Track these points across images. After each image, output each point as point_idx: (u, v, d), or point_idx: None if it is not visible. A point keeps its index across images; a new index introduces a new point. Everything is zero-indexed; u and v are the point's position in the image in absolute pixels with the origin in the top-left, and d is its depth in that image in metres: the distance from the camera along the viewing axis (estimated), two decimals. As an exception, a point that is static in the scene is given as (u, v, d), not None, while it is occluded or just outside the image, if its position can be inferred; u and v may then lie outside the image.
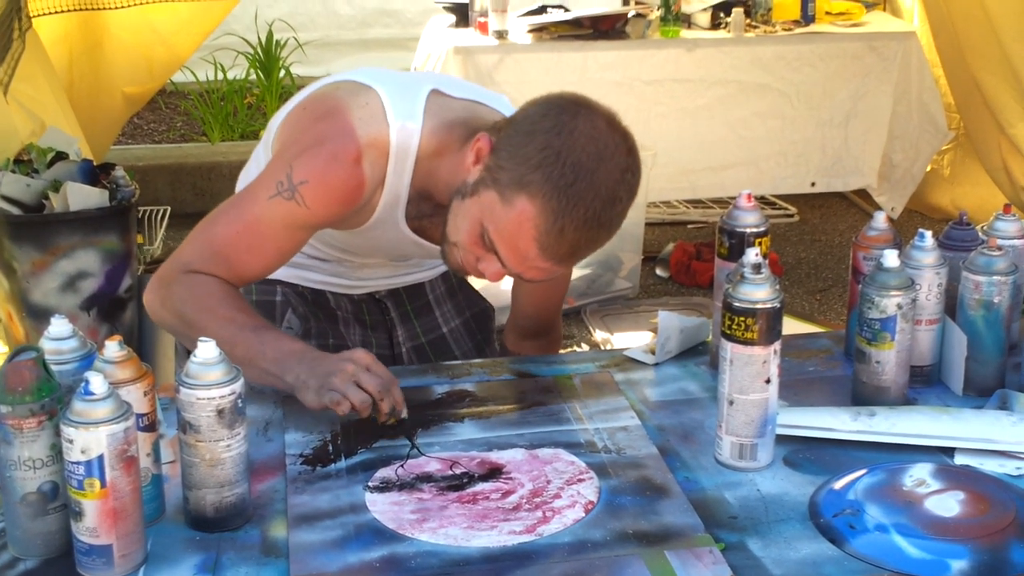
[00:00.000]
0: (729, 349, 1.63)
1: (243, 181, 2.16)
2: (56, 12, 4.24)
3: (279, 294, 2.13)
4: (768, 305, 1.61)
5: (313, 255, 2.11)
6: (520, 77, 4.39)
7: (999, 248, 1.84)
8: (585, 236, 1.71)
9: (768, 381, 1.63)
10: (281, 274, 2.07)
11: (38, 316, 3.25)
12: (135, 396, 1.41)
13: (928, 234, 1.86)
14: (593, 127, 1.71)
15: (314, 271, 2.14)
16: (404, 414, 1.73)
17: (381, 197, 1.88)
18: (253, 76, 6.64)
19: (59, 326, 1.46)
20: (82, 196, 3.20)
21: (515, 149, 1.72)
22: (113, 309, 3.35)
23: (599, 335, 4.25)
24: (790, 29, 4.76)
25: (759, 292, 1.61)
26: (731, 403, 1.64)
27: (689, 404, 1.86)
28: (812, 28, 4.79)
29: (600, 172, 1.69)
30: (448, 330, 2.28)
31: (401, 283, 2.23)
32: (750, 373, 1.62)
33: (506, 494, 1.59)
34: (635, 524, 1.52)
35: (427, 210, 1.91)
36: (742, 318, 1.61)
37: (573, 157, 1.68)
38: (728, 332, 1.62)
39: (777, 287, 1.63)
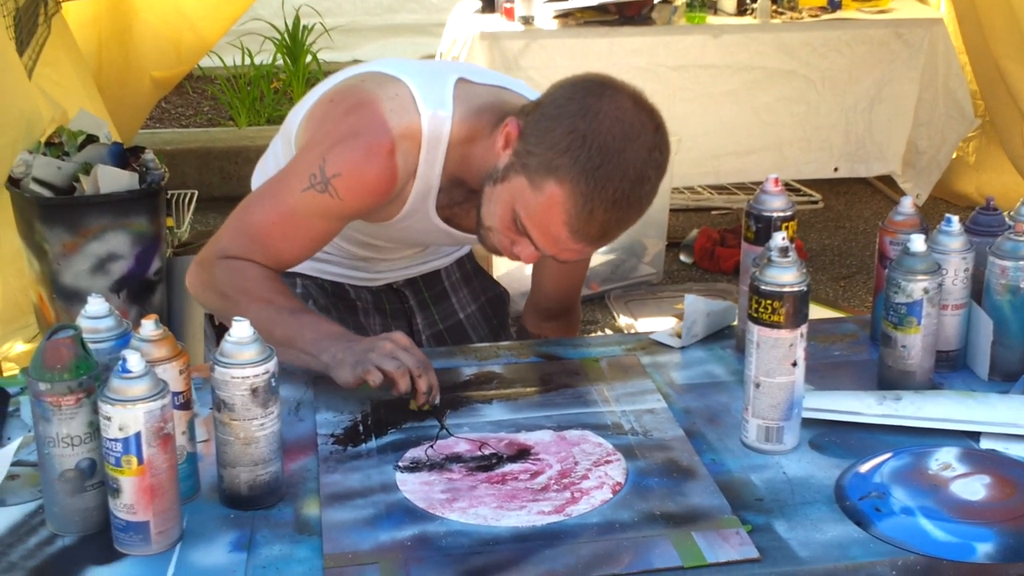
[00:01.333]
0: (756, 332, 1.64)
1: (258, 173, 2.19)
2: (83, -4, 4.27)
3: (299, 287, 2.15)
4: (795, 288, 1.62)
5: (335, 253, 2.14)
6: (546, 63, 4.40)
7: (1026, 234, 1.85)
8: (615, 216, 1.73)
9: (795, 364, 1.64)
10: (300, 267, 2.09)
11: (69, 298, 3.28)
12: (171, 374, 1.43)
13: (955, 219, 1.86)
14: (618, 107, 1.73)
15: (333, 264, 2.16)
16: (437, 399, 1.75)
17: (413, 187, 1.90)
18: (280, 61, 6.66)
19: (96, 305, 1.48)
20: (112, 179, 3.22)
21: (543, 134, 1.74)
22: (143, 291, 3.37)
23: (623, 320, 4.26)
24: (816, 15, 4.75)
25: (786, 275, 1.62)
26: (758, 386, 1.65)
27: (715, 387, 1.88)
28: (838, 14, 4.78)
29: (627, 152, 1.71)
30: (465, 315, 2.31)
31: (418, 272, 2.26)
32: (777, 356, 1.63)
33: (535, 475, 1.60)
34: (662, 505, 1.53)
35: (458, 198, 1.93)
36: (769, 301, 1.62)
37: (600, 139, 1.70)
38: (755, 315, 1.63)
39: (804, 271, 1.64)
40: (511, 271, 3.78)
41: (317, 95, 1.99)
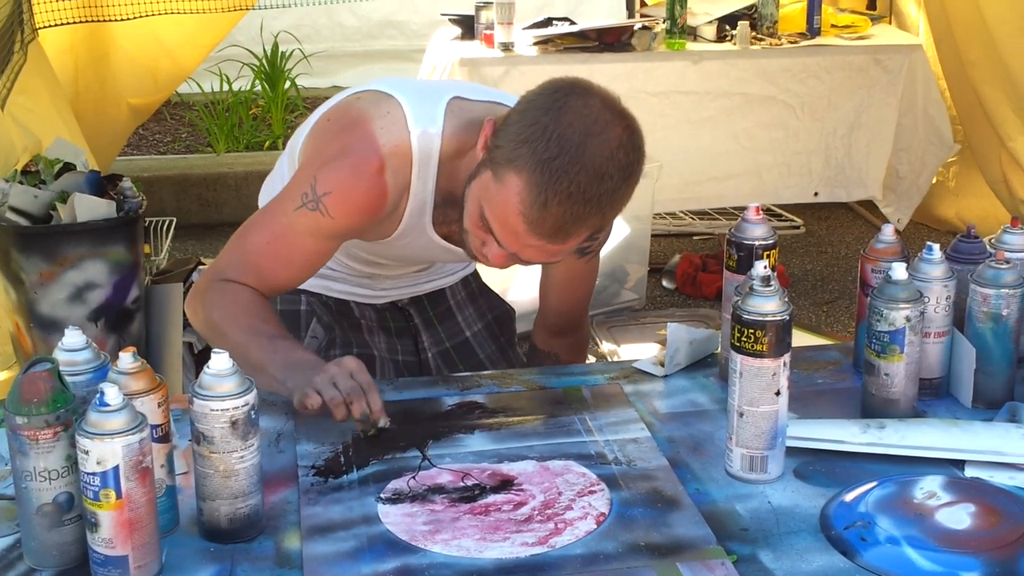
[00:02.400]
0: (739, 361, 1.63)
1: (265, 192, 2.19)
2: (62, 24, 4.25)
3: (304, 303, 2.17)
4: (778, 317, 1.61)
5: (339, 269, 2.14)
6: (525, 88, 4.38)
7: (1007, 261, 1.85)
8: (570, 211, 1.70)
9: (778, 393, 1.63)
10: (306, 284, 2.08)
11: (46, 327, 3.25)
12: (149, 407, 1.42)
13: (936, 247, 1.86)
14: (585, 105, 1.72)
15: (338, 281, 2.17)
16: (384, 423, 1.73)
17: (407, 204, 1.90)
18: (259, 87, 6.65)
19: (73, 337, 1.47)
20: (90, 207, 3.20)
21: (509, 128, 1.74)
22: (120, 320, 3.35)
23: (606, 346, 4.26)
24: (796, 42, 4.77)
25: (768, 304, 1.61)
26: (741, 415, 1.64)
27: (699, 416, 1.87)
28: (817, 41, 4.80)
29: (588, 146, 1.69)
30: (471, 334, 2.31)
31: (423, 290, 2.26)
32: (760, 385, 1.62)
33: (518, 506, 1.59)
34: (647, 536, 1.52)
35: (454, 215, 1.92)
36: (752, 330, 1.61)
37: (559, 131, 1.69)
38: (738, 344, 1.63)
39: (786, 299, 1.63)
40: (518, 291, 3.77)
41: (319, 114, 2.00)
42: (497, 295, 2.42)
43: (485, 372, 2.11)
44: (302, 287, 2.10)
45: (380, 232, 1.95)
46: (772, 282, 1.63)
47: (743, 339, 1.62)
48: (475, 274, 2.38)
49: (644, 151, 1.78)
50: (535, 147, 1.68)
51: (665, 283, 4.91)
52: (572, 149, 1.68)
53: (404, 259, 2.10)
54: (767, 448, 1.65)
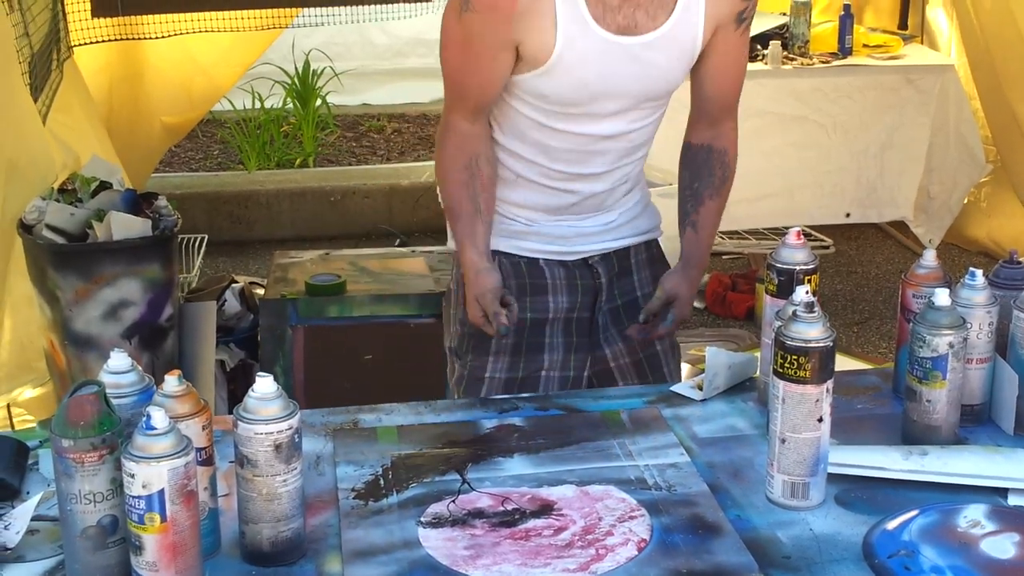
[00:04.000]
0: (781, 388, 1.62)
1: None
2: (96, 42, 4.28)
3: (498, 264, 2.24)
4: (821, 344, 1.60)
5: (529, 207, 2.23)
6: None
7: (1051, 287, 1.83)
8: None
9: (820, 420, 1.62)
10: (499, 244, 2.24)
11: (80, 345, 3.26)
12: (194, 430, 1.42)
13: (979, 273, 1.85)
14: None
15: (530, 239, 2.25)
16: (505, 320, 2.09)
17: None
18: (290, 105, 6.68)
19: (118, 360, 1.47)
20: (125, 225, 3.22)
21: None
22: (154, 338, 3.36)
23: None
24: (827, 61, 4.76)
25: (812, 331, 1.61)
26: (783, 441, 1.64)
27: (738, 441, 1.86)
28: (849, 60, 4.78)
29: None
30: (642, 294, 2.32)
31: (612, 247, 2.30)
32: (803, 412, 1.62)
33: (558, 531, 1.59)
34: (688, 563, 1.52)
35: None
36: (795, 356, 1.60)
37: None
38: (781, 370, 1.62)
39: (829, 325, 1.62)
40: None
41: None
42: (668, 266, 2.40)
43: (523, 395, 2.10)
44: (496, 247, 2.23)
45: (540, 44, 2.01)
46: (815, 308, 1.62)
47: (786, 365, 1.61)
48: (657, 243, 2.40)
49: None
50: None
51: (695, 303, 4.89)
52: None
53: (582, 89, 2.08)
54: (809, 475, 1.64)
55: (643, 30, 2.04)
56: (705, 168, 2.26)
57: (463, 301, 2.21)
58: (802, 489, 1.65)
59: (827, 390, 1.62)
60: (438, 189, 2.25)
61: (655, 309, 2.22)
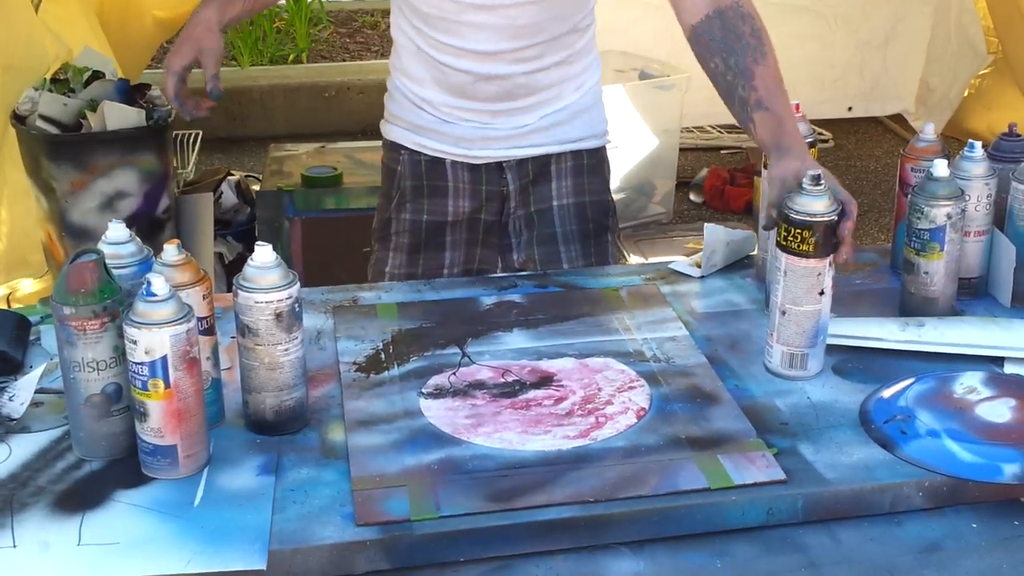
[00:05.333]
0: (784, 261, 1.63)
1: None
2: (87, -70, 4.21)
3: (399, 163, 2.22)
4: (826, 217, 1.60)
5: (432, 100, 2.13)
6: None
7: (1050, 159, 1.83)
8: None
9: (822, 293, 1.63)
10: (406, 139, 2.19)
11: (77, 236, 3.26)
12: (195, 299, 1.43)
13: (978, 144, 1.85)
14: None
15: (434, 138, 2.17)
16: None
17: None
18: (282, 0, 6.60)
19: (116, 230, 1.47)
20: (120, 115, 3.20)
21: None
22: (152, 229, 3.35)
23: (633, 259, 4.25)
24: (829, -51, 4.70)
25: (817, 204, 1.60)
26: (784, 313, 1.64)
27: (736, 315, 1.87)
28: (851, -51, 4.73)
29: None
30: (558, 204, 2.21)
31: (529, 153, 2.18)
32: (805, 285, 1.62)
33: (558, 401, 1.60)
34: (687, 430, 1.53)
35: None
36: (799, 230, 1.60)
37: None
38: (784, 244, 1.62)
39: (833, 199, 1.62)
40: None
41: None
42: (606, 182, 2.29)
43: (522, 272, 2.11)
44: (400, 141, 2.20)
45: None
46: (821, 181, 1.62)
47: (790, 238, 1.61)
48: (597, 151, 2.25)
49: None
50: None
51: (692, 197, 4.89)
52: None
53: None
54: (808, 346, 1.65)
55: None
56: (730, 35, 1.86)
57: (381, 190, 2.24)
58: (801, 360, 1.66)
59: (829, 264, 1.62)
60: None
61: (776, 202, 1.70)
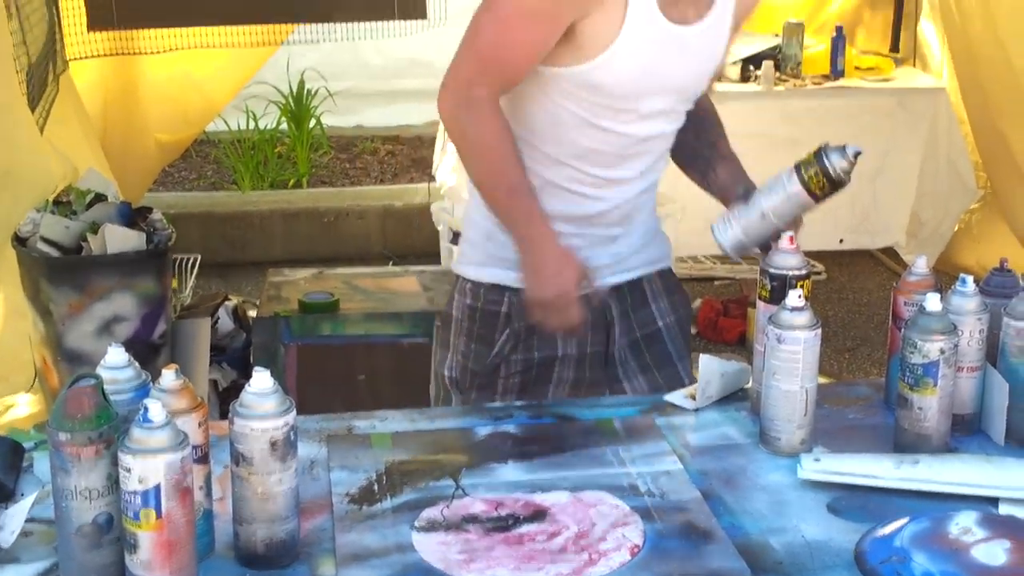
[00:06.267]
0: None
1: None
2: (92, 56, 4.30)
3: (505, 304, 2.19)
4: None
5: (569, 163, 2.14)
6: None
7: (1042, 295, 1.85)
8: None
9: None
10: (507, 278, 2.16)
11: (73, 360, 3.26)
12: (191, 426, 1.43)
13: (970, 279, 1.86)
14: None
15: None
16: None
17: None
18: (284, 125, 6.70)
19: (116, 355, 1.48)
20: (120, 238, 3.23)
21: None
22: (147, 354, 3.35)
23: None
24: (820, 83, 4.80)
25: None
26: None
27: (731, 449, 1.87)
28: (841, 83, 4.83)
29: None
30: (663, 324, 2.30)
31: (623, 278, 2.25)
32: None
33: (552, 536, 1.59)
34: (682, 568, 1.52)
35: None
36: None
37: None
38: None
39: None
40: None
41: None
42: (686, 294, 2.41)
43: (517, 403, 2.11)
44: (505, 283, 2.17)
45: (607, 24, 1.97)
46: (805, 311, 1.64)
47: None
48: (670, 270, 2.38)
49: None
50: None
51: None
52: None
53: (637, 84, 2.05)
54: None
55: (691, 22, 2.05)
56: (699, 125, 2.23)
57: (466, 333, 2.20)
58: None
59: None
60: (467, 167, 2.11)
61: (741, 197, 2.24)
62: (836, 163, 2.05)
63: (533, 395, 2.21)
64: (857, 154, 2.02)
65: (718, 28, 2.10)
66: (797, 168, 2.08)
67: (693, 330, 4.84)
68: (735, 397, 2.04)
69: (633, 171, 2.15)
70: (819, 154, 2.07)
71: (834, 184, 2.07)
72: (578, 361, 2.24)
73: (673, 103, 2.12)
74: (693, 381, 2.14)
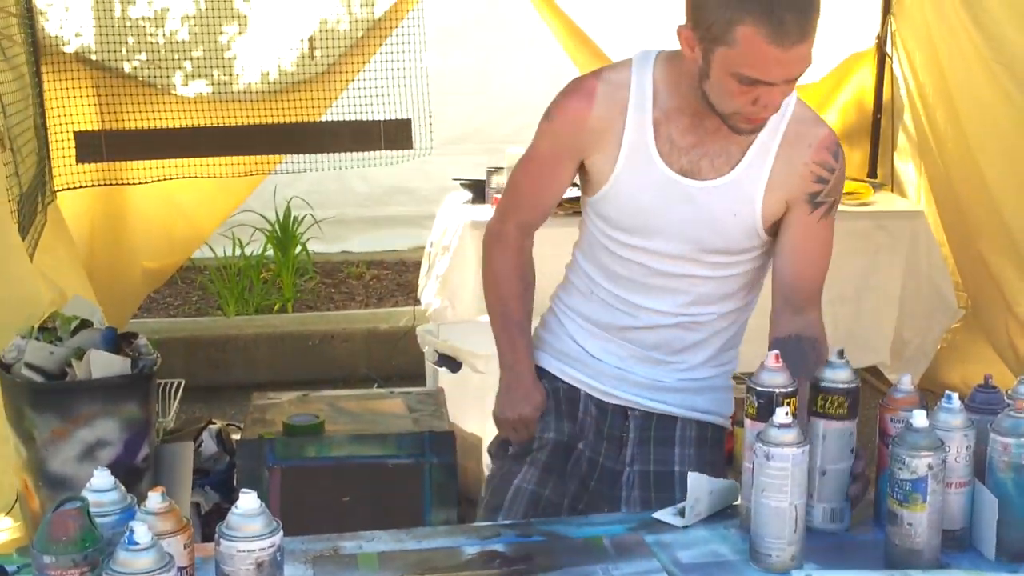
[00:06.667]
0: (822, 425, 1.93)
1: None
2: (80, 187, 4.33)
3: (545, 388, 2.38)
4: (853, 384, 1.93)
5: (591, 318, 2.33)
6: (536, 250, 4.45)
7: (1027, 410, 1.85)
8: (791, 9, 1.91)
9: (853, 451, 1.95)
10: (548, 364, 2.38)
11: (55, 486, 3.23)
12: (176, 548, 1.42)
13: (955, 396, 1.87)
14: None
15: (576, 367, 2.36)
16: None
17: (626, 125, 2.14)
18: (270, 252, 6.73)
19: (101, 478, 1.47)
20: (105, 364, 3.22)
21: (704, 11, 1.96)
22: (129, 478, 3.31)
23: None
24: (800, 208, 4.85)
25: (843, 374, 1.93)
26: (823, 474, 1.91)
27: (720, 566, 1.85)
28: (821, 207, 4.88)
29: None
30: (679, 471, 2.30)
31: (652, 407, 2.33)
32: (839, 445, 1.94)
33: (542, 655, 1.57)
34: None
35: (682, 140, 2.13)
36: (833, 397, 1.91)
37: None
38: (821, 411, 1.93)
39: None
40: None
41: None
42: (724, 461, 2.45)
43: (505, 521, 2.09)
44: (544, 367, 2.38)
45: (604, 163, 2.15)
46: (792, 428, 1.65)
47: (827, 406, 1.93)
48: (717, 428, 2.41)
49: None
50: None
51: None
52: None
53: (635, 220, 2.18)
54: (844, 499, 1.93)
55: (703, 177, 2.13)
56: (798, 358, 2.11)
57: (504, 403, 2.36)
58: (840, 514, 1.93)
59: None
60: (483, 288, 2.40)
61: None
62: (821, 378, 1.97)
63: (555, 483, 2.29)
64: (839, 352, 1.97)
65: (742, 190, 2.15)
66: (810, 413, 1.97)
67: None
68: (724, 514, 2.03)
69: (666, 305, 2.25)
70: (814, 387, 1.97)
71: (845, 392, 1.94)
72: (589, 464, 2.32)
73: (690, 251, 2.19)
74: None
